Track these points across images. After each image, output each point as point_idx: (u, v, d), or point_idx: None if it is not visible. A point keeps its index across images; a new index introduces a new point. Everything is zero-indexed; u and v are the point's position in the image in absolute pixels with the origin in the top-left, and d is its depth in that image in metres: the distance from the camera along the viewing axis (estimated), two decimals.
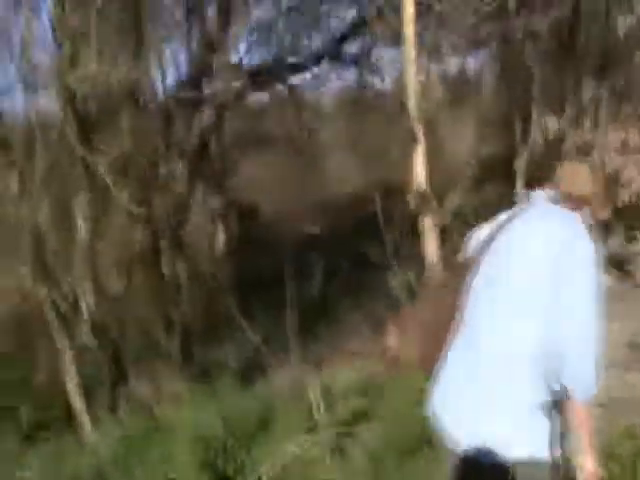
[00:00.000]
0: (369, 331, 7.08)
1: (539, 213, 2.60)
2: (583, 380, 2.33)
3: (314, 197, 12.37)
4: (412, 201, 5.81)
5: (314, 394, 5.03)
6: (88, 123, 6.49)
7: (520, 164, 7.22)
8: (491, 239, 2.61)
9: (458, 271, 2.67)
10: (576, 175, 2.72)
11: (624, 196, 6.11)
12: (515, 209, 2.69)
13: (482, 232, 2.71)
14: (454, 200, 6.05)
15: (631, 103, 7.04)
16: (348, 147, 13.65)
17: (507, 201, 3.31)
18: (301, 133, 10.88)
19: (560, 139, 6.37)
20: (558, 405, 2.39)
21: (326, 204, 12.61)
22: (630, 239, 7.22)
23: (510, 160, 7.52)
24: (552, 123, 6.21)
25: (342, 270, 8.99)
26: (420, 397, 5.49)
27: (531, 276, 2.42)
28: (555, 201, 2.63)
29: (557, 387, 2.36)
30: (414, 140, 5.92)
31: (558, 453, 2.39)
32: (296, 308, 6.01)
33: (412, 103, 5.86)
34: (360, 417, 5.11)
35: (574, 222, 2.52)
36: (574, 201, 2.63)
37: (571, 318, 2.34)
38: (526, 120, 7.03)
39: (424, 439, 4.80)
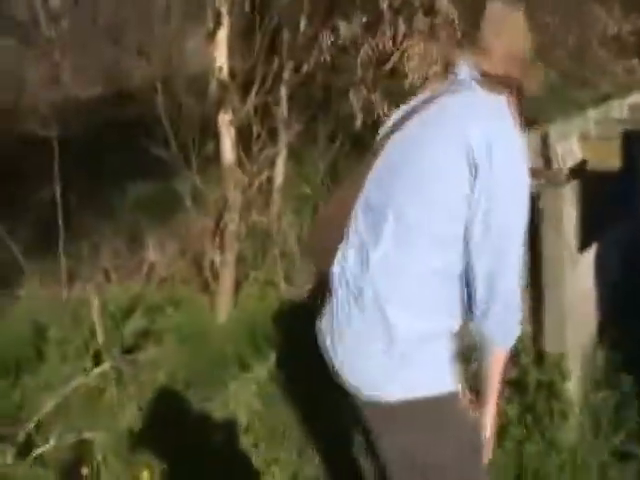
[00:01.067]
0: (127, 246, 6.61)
1: (457, 104, 2.06)
2: (508, 323, 2.01)
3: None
4: (211, 93, 5.20)
5: (95, 316, 4.53)
6: None
7: None
8: (398, 126, 2.13)
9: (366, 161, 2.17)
10: (505, 25, 2.11)
11: None
12: (436, 88, 2.18)
13: (394, 115, 2.24)
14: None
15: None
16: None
17: None
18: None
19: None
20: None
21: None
22: None
23: None
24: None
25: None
26: (201, 316, 5.37)
27: (444, 189, 1.97)
28: (476, 76, 2.09)
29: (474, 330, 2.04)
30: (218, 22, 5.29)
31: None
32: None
33: None
34: (144, 340, 4.75)
35: (502, 117, 2.02)
36: (500, 69, 2.08)
37: (498, 250, 1.94)
38: None
39: (215, 360, 4.64)
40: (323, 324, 2.15)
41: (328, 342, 2.11)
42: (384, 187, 2.05)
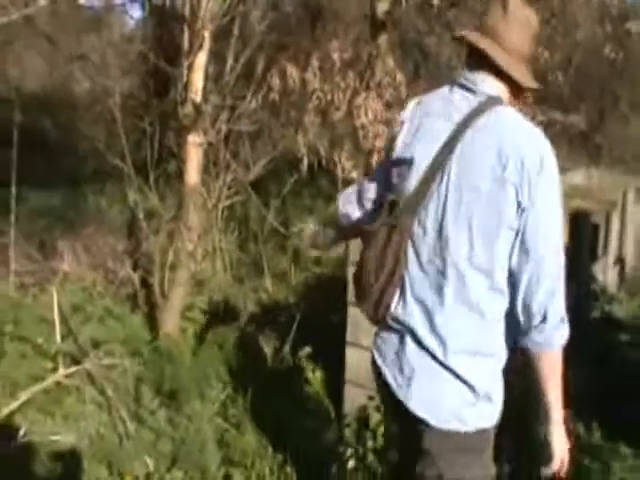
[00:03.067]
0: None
1: (490, 122, 2.07)
2: (557, 323, 2.01)
3: None
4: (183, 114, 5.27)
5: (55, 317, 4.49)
6: None
7: None
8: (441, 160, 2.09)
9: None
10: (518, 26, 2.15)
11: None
12: (457, 104, 2.14)
13: (422, 131, 2.17)
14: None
15: None
16: None
17: None
18: None
19: None
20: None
21: None
22: None
23: None
24: None
25: None
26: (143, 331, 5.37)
27: (489, 214, 2.00)
28: (498, 92, 2.14)
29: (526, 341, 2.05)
30: (200, 46, 5.41)
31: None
32: None
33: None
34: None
35: (530, 131, 2.08)
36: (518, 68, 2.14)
37: (541, 257, 1.99)
38: None
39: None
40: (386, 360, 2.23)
41: (392, 377, 2.18)
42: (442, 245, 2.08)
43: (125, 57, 8.64)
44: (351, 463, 3.69)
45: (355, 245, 4.00)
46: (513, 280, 2.04)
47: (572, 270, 4.54)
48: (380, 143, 6.16)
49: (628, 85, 16.89)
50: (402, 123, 2.25)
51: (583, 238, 4.75)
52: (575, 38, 9.49)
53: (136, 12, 10.00)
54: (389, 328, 2.18)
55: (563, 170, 8.48)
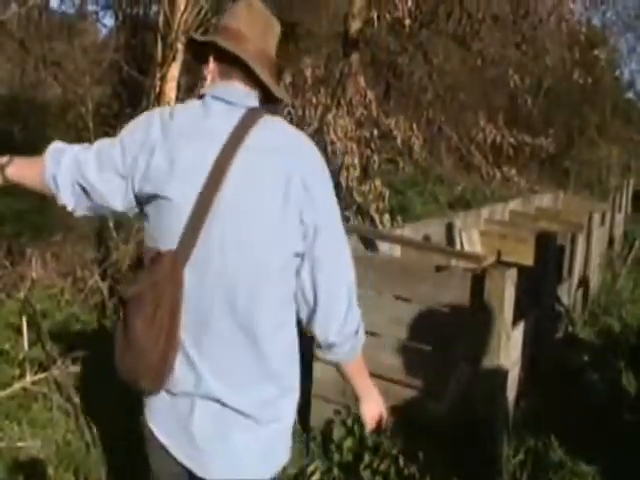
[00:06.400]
0: None
1: (262, 138, 1.89)
2: (352, 330, 1.98)
3: None
4: None
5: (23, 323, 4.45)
6: None
7: None
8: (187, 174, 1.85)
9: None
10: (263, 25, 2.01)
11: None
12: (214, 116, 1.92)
13: (182, 164, 1.87)
14: None
15: None
16: None
17: None
18: None
19: None
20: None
21: None
22: None
23: None
24: None
25: None
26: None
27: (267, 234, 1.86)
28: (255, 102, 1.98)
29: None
30: (173, 58, 5.42)
31: None
32: None
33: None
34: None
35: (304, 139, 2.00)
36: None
37: (327, 263, 1.91)
38: None
39: None
40: None
41: None
42: None
43: (97, 65, 8.62)
44: (316, 477, 3.71)
45: None
46: (305, 300, 1.95)
47: (538, 291, 4.67)
48: (349, 160, 6.23)
49: (597, 110, 17.23)
50: (143, 144, 1.91)
51: (549, 260, 4.83)
52: (545, 63, 9.66)
53: (108, 20, 10.03)
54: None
55: (531, 192, 8.65)
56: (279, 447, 2.05)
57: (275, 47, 2.04)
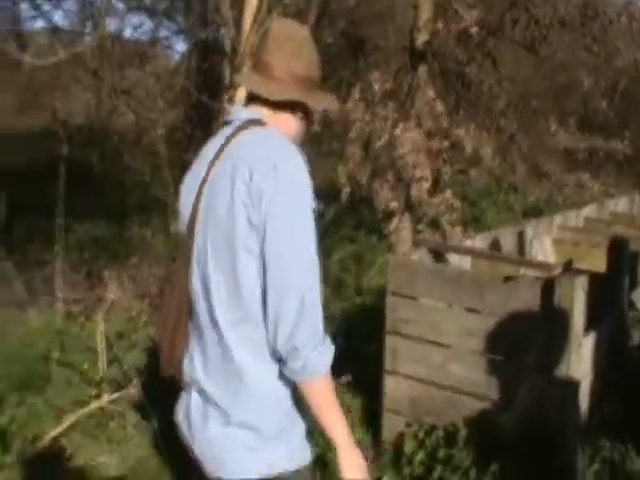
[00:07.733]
0: None
1: (234, 145, 1.97)
2: (304, 345, 1.86)
3: None
4: None
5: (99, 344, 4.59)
6: None
7: None
8: (193, 192, 2.04)
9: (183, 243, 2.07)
10: (289, 43, 2.05)
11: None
12: (218, 137, 2.08)
13: (187, 181, 2.12)
14: None
15: None
16: None
17: None
18: None
19: None
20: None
21: None
22: None
23: None
24: None
25: None
26: None
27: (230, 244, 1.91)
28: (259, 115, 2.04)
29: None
30: None
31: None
32: None
33: None
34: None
35: (275, 148, 1.93)
36: (282, 91, 2.03)
37: (286, 277, 1.88)
38: None
39: None
40: None
41: None
42: None
43: (169, 90, 8.84)
44: None
45: (393, 274, 4.06)
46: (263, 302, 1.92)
47: (611, 297, 4.57)
48: (420, 173, 6.20)
49: None
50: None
51: (622, 265, 4.72)
52: (618, 64, 9.44)
53: (180, 46, 10.26)
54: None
55: (607, 196, 8.44)
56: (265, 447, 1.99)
57: (307, 58, 2.11)
